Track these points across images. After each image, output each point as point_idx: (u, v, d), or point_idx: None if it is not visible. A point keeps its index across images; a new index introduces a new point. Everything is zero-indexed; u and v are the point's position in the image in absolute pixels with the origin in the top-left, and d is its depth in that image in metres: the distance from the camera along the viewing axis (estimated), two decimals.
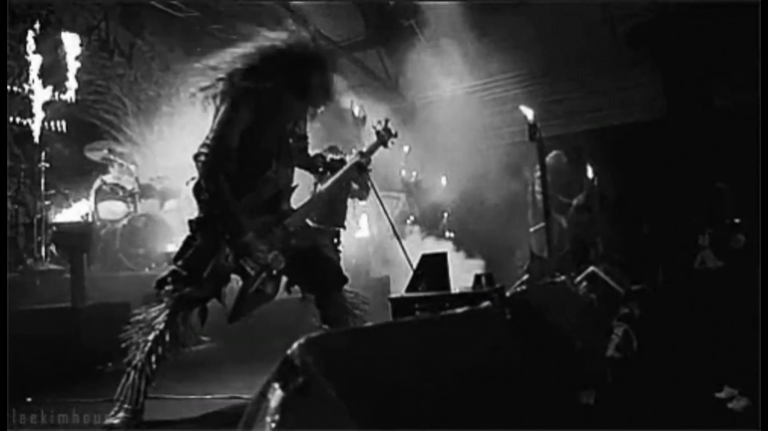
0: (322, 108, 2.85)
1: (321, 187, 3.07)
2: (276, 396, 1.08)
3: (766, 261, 2.82)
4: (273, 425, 1.06)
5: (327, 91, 2.75)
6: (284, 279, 2.82)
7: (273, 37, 2.63)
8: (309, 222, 3.09)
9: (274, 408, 1.07)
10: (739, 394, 2.31)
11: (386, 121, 3.32)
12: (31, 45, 5.45)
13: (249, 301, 2.63)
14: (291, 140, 2.82)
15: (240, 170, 2.59)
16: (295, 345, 1.11)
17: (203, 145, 2.62)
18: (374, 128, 3.29)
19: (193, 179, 2.72)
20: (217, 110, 2.61)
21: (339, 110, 9.19)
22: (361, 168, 3.16)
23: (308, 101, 2.78)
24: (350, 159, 3.15)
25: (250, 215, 2.61)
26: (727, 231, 6.69)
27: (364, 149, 3.18)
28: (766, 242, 2.94)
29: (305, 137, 3.03)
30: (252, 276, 2.59)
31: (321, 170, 3.18)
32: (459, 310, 1.75)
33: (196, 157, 2.69)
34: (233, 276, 2.68)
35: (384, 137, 3.28)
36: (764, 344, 2.10)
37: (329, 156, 3.20)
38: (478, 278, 3.16)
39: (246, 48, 2.62)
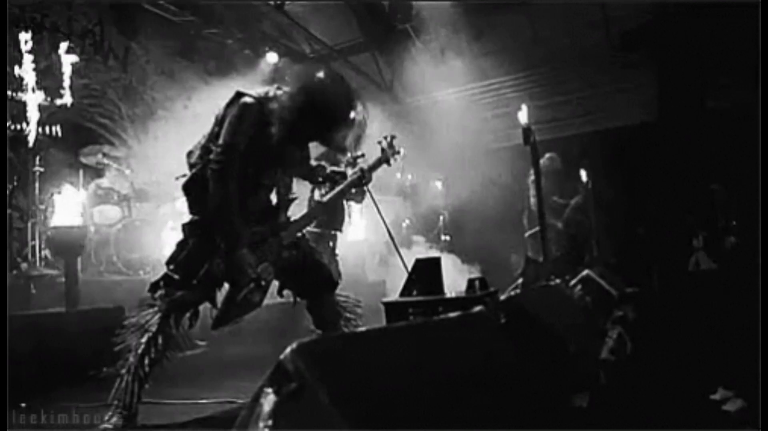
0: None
1: (319, 198, 3.06)
2: (269, 400, 1.09)
3: (766, 262, 2.82)
4: (266, 430, 1.06)
5: (341, 146, 2.72)
6: (276, 283, 2.82)
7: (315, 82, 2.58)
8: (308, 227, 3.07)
9: (268, 413, 1.08)
10: (734, 396, 2.32)
11: (392, 137, 3.29)
12: (25, 49, 5.43)
13: (235, 309, 2.61)
14: (292, 149, 2.77)
15: (242, 174, 2.54)
16: (287, 350, 1.11)
17: (206, 141, 2.59)
18: (379, 143, 3.27)
19: (184, 175, 2.66)
20: (226, 108, 2.56)
21: None
22: (362, 184, 3.16)
23: (324, 143, 2.76)
24: (351, 174, 3.12)
25: (246, 223, 2.58)
26: (720, 233, 6.72)
27: (366, 166, 3.15)
28: (766, 244, 2.94)
29: (306, 146, 2.97)
30: (240, 285, 2.57)
31: (321, 180, 3.16)
32: (452, 314, 1.75)
33: (189, 154, 2.67)
34: None
35: (388, 155, 3.27)
36: (764, 344, 2.11)
37: (330, 168, 3.14)
38: (471, 282, 3.17)
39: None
